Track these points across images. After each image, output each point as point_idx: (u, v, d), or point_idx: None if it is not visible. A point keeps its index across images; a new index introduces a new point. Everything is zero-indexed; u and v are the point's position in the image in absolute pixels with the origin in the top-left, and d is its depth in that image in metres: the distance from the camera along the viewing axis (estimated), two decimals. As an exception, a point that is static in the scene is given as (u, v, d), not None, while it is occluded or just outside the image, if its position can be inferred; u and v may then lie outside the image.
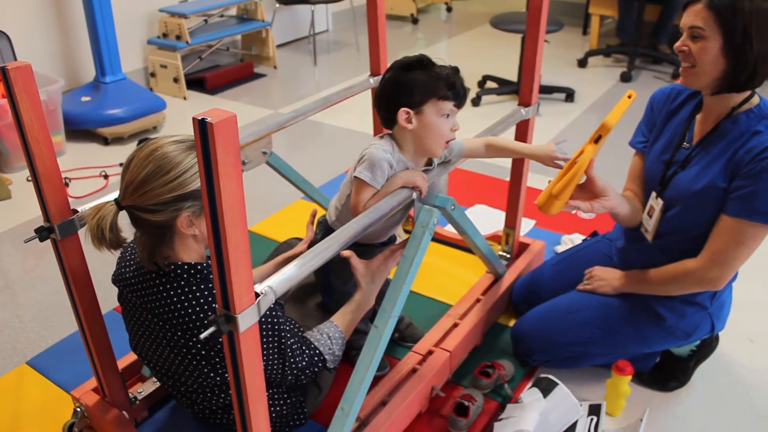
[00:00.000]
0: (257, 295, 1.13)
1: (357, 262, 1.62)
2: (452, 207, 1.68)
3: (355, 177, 1.57)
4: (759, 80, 1.52)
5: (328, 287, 1.85)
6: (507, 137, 1.98)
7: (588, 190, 1.66)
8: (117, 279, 1.50)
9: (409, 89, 1.53)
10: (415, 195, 1.56)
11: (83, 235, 1.48)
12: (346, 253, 1.58)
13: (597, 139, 1.53)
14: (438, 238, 2.60)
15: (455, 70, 1.55)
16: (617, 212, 1.74)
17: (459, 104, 1.56)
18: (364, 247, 1.76)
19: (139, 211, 1.33)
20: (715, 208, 1.60)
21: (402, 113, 1.54)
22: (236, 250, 1.05)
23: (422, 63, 1.54)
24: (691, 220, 1.66)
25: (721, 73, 1.52)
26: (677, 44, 1.56)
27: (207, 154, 0.96)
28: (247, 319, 1.11)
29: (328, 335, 1.58)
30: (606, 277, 1.87)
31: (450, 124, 1.57)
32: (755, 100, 1.58)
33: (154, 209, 1.31)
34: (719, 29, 1.48)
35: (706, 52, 1.51)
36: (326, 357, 1.55)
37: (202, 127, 0.94)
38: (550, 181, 1.72)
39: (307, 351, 1.52)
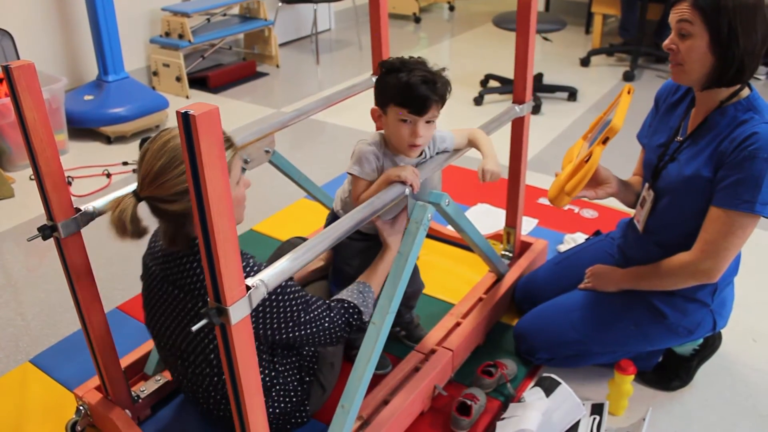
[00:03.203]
0: (248, 288, 1.14)
1: (382, 222, 1.74)
2: (447, 203, 1.69)
3: (348, 173, 1.72)
4: (747, 75, 1.54)
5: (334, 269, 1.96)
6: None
7: (592, 179, 1.77)
8: (147, 255, 1.55)
9: (379, 91, 1.65)
10: (407, 191, 1.58)
11: (86, 232, 1.48)
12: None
13: (605, 141, 1.60)
14: (440, 237, 2.61)
15: (425, 78, 1.57)
16: (619, 197, 1.88)
17: (414, 112, 1.59)
18: (374, 238, 1.81)
19: (157, 202, 1.35)
20: (701, 199, 1.61)
21: (373, 112, 1.69)
22: (225, 243, 1.06)
23: (395, 67, 1.62)
24: (681, 212, 1.68)
25: (709, 70, 1.54)
26: (666, 43, 1.58)
27: (191, 147, 0.98)
28: (238, 312, 1.12)
29: (360, 291, 1.64)
30: (606, 275, 1.88)
31: (409, 130, 1.62)
32: (745, 92, 1.59)
33: (171, 199, 1.33)
34: (705, 27, 1.49)
35: (694, 50, 1.52)
36: (361, 309, 1.60)
37: (185, 120, 0.95)
38: (557, 174, 1.76)
39: (336, 305, 1.58)
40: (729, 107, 1.59)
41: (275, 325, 1.43)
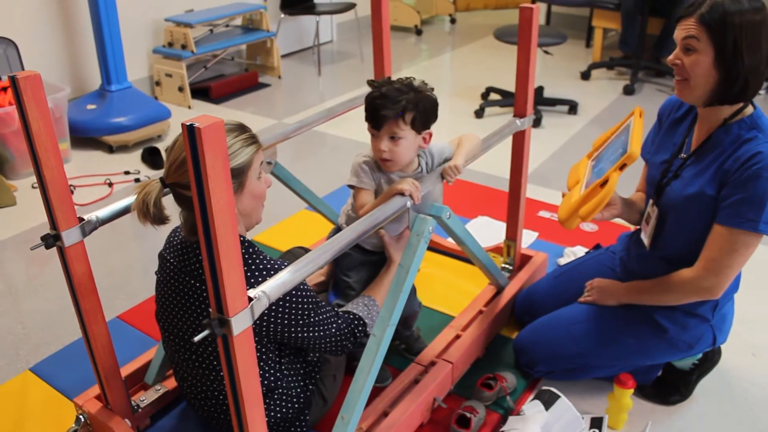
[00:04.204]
0: (250, 299, 1.15)
1: (388, 237, 1.79)
2: (448, 216, 1.70)
3: (348, 186, 1.78)
4: (751, 92, 1.55)
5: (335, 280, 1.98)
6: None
7: None
8: (165, 249, 1.57)
9: None
10: (409, 203, 1.59)
11: (88, 242, 1.49)
12: (381, 231, 1.71)
13: (622, 167, 1.59)
14: (440, 249, 2.61)
15: (383, 95, 1.65)
16: (623, 217, 1.86)
17: (373, 126, 1.69)
18: (379, 254, 1.84)
19: (180, 189, 1.39)
20: (706, 216, 1.62)
21: None
22: (228, 254, 1.07)
23: (374, 85, 1.72)
24: (685, 228, 1.68)
25: (714, 86, 1.54)
26: (670, 58, 1.59)
27: (196, 159, 0.99)
28: (240, 323, 1.13)
29: (365, 304, 1.68)
30: (607, 289, 1.88)
31: (374, 145, 1.70)
32: (748, 110, 1.60)
33: None
34: (711, 43, 1.50)
35: (699, 65, 1.53)
36: (366, 321, 1.64)
37: (190, 132, 0.97)
38: (564, 194, 1.76)
39: (343, 315, 1.61)
40: (733, 125, 1.59)
41: (286, 322, 1.44)
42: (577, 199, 1.69)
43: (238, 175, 1.40)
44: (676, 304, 1.74)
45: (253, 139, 1.44)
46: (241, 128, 1.44)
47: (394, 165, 1.73)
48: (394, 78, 1.79)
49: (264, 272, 1.40)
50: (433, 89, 1.73)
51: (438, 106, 1.73)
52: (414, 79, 1.72)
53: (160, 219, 1.42)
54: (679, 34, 1.56)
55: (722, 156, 1.59)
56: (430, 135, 1.74)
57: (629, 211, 1.88)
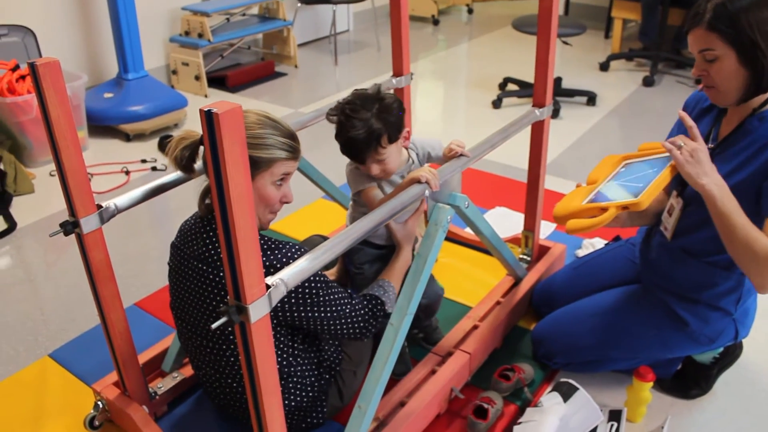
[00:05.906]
0: (268, 287, 1.15)
1: (394, 224, 1.77)
2: (466, 205, 1.69)
3: (353, 195, 1.82)
4: None
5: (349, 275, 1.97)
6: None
7: None
8: (176, 238, 1.58)
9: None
10: (427, 192, 1.58)
11: (106, 229, 1.49)
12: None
13: (624, 207, 1.55)
14: (458, 240, 2.60)
15: (349, 140, 1.66)
16: (626, 225, 1.78)
17: (357, 163, 1.74)
18: (391, 248, 1.82)
19: None
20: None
21: None
22: (245, 241, 1.06)
23: (339, 121, 1.71)
24: (709, 218, 1.64)
25: (745, 83, 1.52)
26: (694, 71, 1.56)
27: (214, 145, 0.99)
28: (258, 310, 1.13)
29: (380, 285, 1.68)
30: (703, 162, 1.49)
31: (367, 168, 1.73)
32: None
33: None
34: (728, 45, 1.48)
35: (724, 70, 1.50)
36: (383, 299, 1.63)
37: (208, 118, 0.97)
38: (578, 186, 1.72)
39: (358, 297, 1.60)
40: (766, 112, 1.56)
41: (293, 301, 1.43)
42: (576, 206, 1.64)
43: (251, 165, 1.38)
44: (739, 259, 1.54)
45: (290, 149, 1.45)
46: (290, 135, 1.46)
47: (388, 176, 1.76)
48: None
49: (281, 256, 1.40)
50: (388, 89, 1.73)
51: (401, 102, 1.72)
52: (365, 90, 1.72)
53: (182, 165, 1.43)
54: (693, 47, 1.53)
55: (758, 142, 1.54)
56: (409, 132, 1.76)
57: (639, 218, 1.82)
